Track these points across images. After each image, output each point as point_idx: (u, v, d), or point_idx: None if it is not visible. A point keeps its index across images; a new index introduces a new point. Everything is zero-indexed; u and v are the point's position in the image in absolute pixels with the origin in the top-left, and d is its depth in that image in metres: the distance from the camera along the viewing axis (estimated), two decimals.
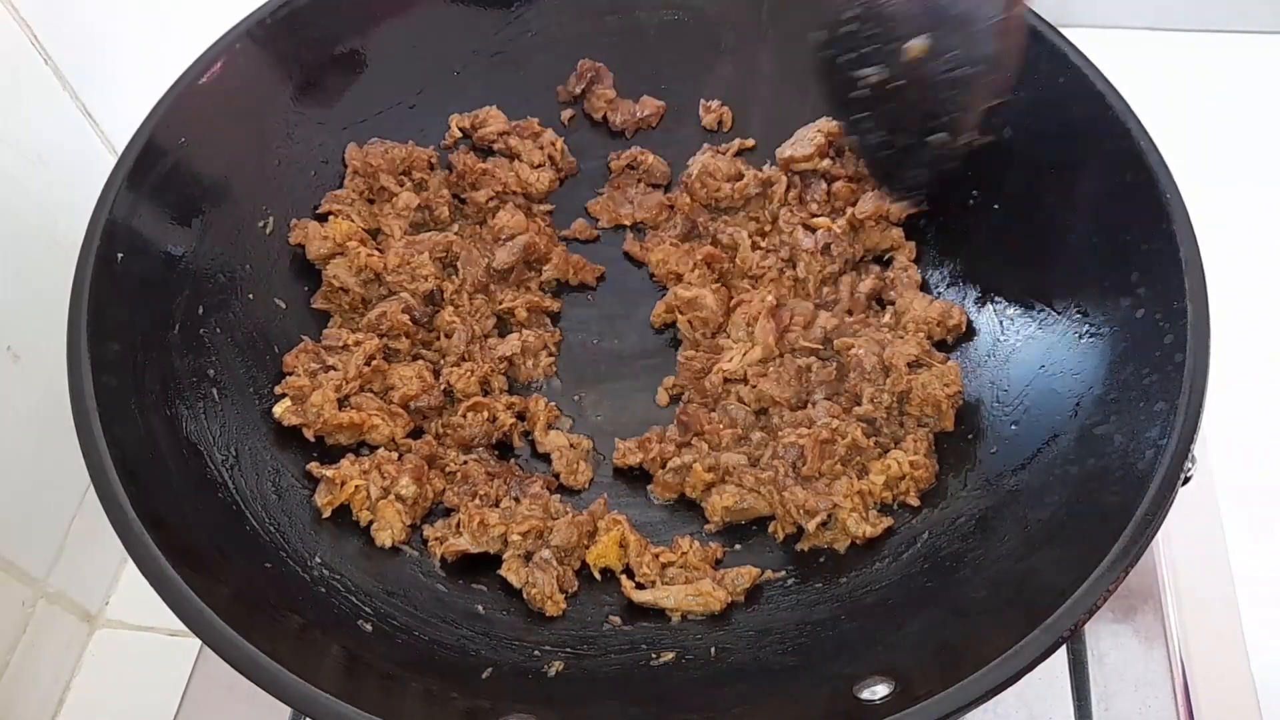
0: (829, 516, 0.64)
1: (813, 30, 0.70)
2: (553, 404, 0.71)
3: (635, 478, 0.69)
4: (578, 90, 0.83)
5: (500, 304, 0.75)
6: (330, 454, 0.68)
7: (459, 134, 0.81)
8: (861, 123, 0.70)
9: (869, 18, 0.65)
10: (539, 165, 0.80)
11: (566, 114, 0.84)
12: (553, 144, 0.81)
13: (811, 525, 0.63)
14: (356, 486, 0.65)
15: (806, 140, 0.77)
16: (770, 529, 0.66)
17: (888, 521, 0.64)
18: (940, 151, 0.65)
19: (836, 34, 0.67)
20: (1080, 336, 0.63)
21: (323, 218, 0.75)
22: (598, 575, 0.64)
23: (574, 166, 0.83)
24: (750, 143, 0.82)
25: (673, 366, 0.73)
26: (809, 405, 0.70)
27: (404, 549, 0.65)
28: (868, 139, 0.71)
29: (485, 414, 0.70)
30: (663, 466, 0.68)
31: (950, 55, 0.62)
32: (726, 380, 0.71)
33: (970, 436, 0.66)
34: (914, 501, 0.65)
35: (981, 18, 0.60)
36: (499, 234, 0.77)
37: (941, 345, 0.71)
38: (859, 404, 0.68)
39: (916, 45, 0.63)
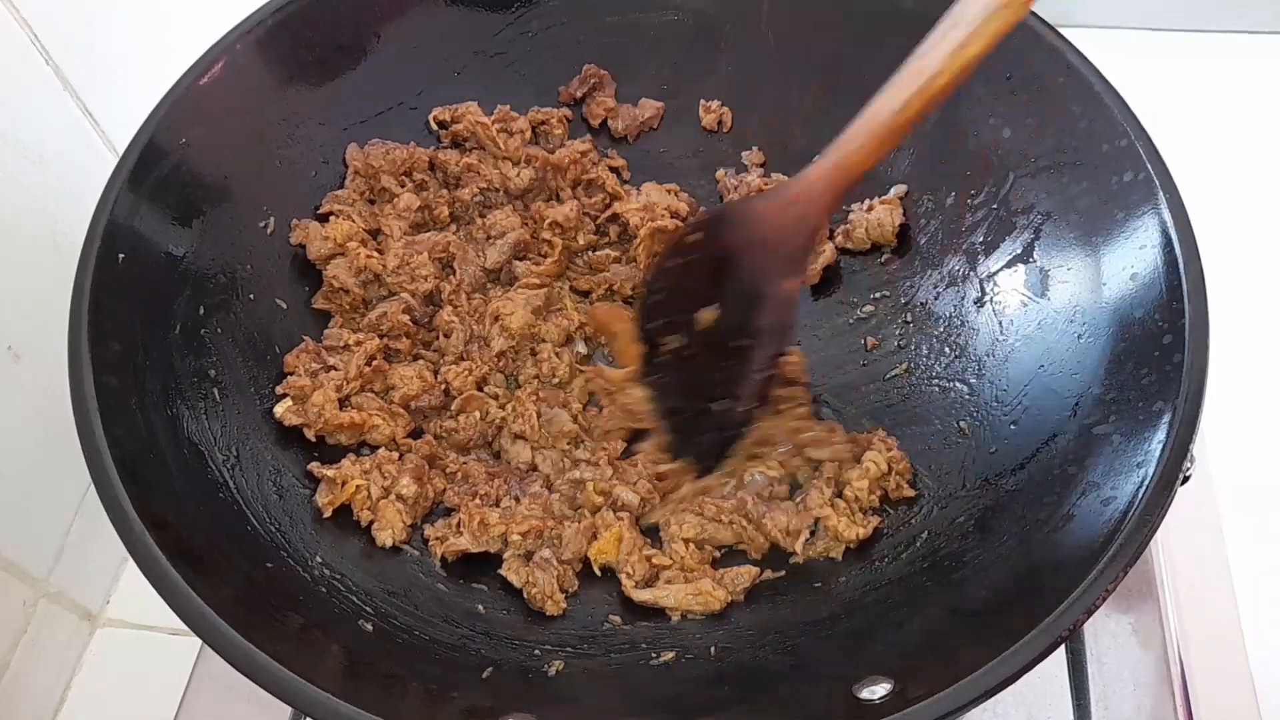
0: (816, 526, 0.64)
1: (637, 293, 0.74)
2: (531, 413, 0.70)
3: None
4: (579, 94, 0.83)
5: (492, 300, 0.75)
6: (331, 454, 0.68)
7: (437, 126, 0.81)
8: (662, 387, 0.71)
9: (672, 288, 0.68)
10: (519, 163, 0.80)
11: (562, 112, 0.83)
12: (522, 132, 0.81)
13: (797, 545, 0.64)
14: (357, 486, 0.65)
15: None
16: (741, 546, 0.66)
17: (875, 521, 0.65)
18: (724, 418, 0.67)
19: (646, 303, 0.70)
20: (1079, 336, 0.63)
21: (324, 218, 0.75)
22: (598, 572, 0.64)
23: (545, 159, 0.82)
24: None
25: None
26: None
27: (405, 548, 0.65)
28: (664, 403, 0.71)
29: (478, 414, 0.70)
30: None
31: (732, 326, 0.64)
32: None
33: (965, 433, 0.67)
34: (909, 493, 0.65)
35: (759, 292, 0.63)
36: (490, 232, 0.77)
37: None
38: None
39: (706, 315, 0.65)
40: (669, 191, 0.80)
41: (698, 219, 0.68)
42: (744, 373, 0.65)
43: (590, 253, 0.78)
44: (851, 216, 0.77)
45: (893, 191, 0.77)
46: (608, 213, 0.78)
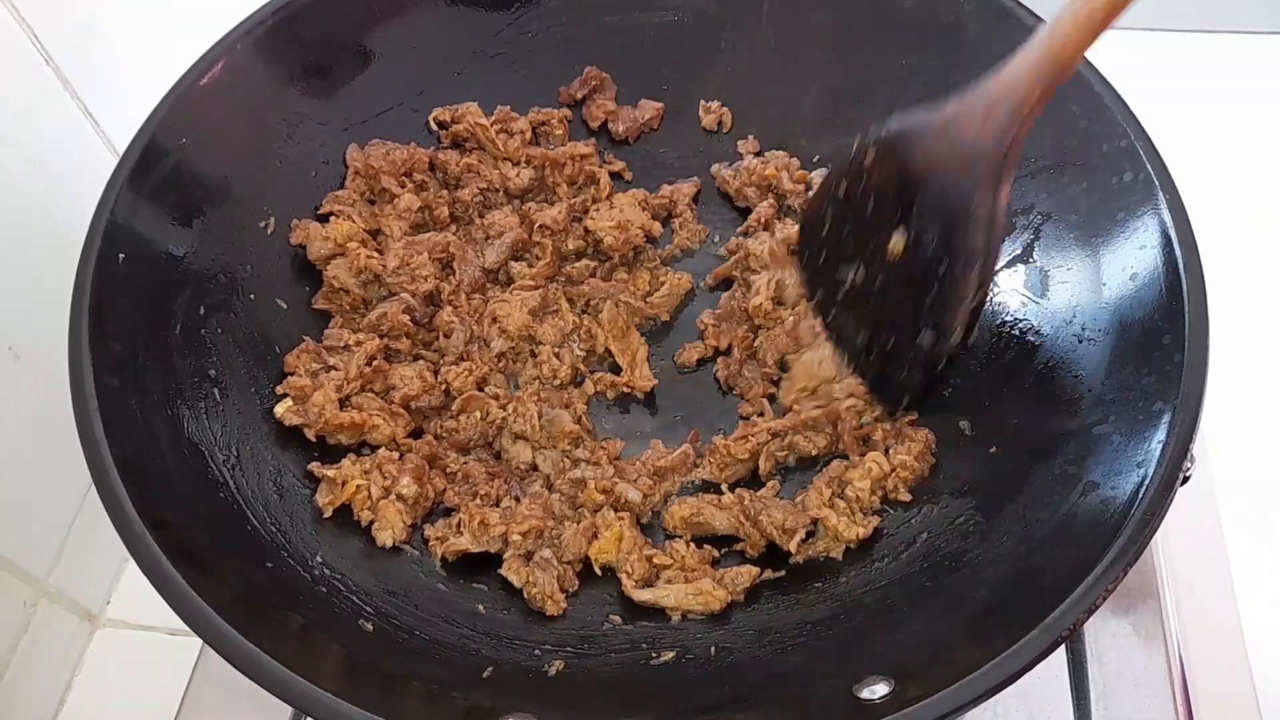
0: (814, 527, 0.65)
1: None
2: (532, 413, 0.70)
3: None
4: (579, 96, 0.83)
5: (492, 300, 0.75)
6: (331, 454, 0.68)
7: (437, 126, 0.81)
8: (843, 325, 0.66)
9: (846, 216, 0.62)
10: (519, 163, 0.80)
11: (563, 113, 0.83)
12: (523, 133, 0.81)
13: (793, 545, 0.64)
14: (358, 486, 0.65)
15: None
16: (739, 546, 0.66)
17: (875, 521, 0.65)
18: (931, 351, 0.61)
19: (813, 238, 0.66)
20: (1079, 337, 0.63)
21: (324, 218, 0.75)
22: (599, 571, 0.64)
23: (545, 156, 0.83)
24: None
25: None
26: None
27: (405, 548, 0.65)
28: (850, 342, 0.67)
29: (479, 414, 0.70)
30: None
31: (930, 251, 0.59)
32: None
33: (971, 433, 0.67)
34: (905, 497, 0.65)
35: (963, 209, 0.57)
36: (489, 232, 0.77)
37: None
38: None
39: (897, 242, 0.60)
40: (639, 202, 0.79)
41: (869, 141, 0.61)
42: (948, 301, 0.59)
43: (577, 260, 0.78)
44: None
45: None
46: (582, 225, 0.78)
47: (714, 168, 0.82)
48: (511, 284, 0.76)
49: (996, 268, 0.70)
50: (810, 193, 0.78)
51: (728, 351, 0.74)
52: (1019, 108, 0.53)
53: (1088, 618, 0.48)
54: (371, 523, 0.65)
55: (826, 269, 0.65)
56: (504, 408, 0.71)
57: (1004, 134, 0.54)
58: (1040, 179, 0.69)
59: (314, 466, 0.66)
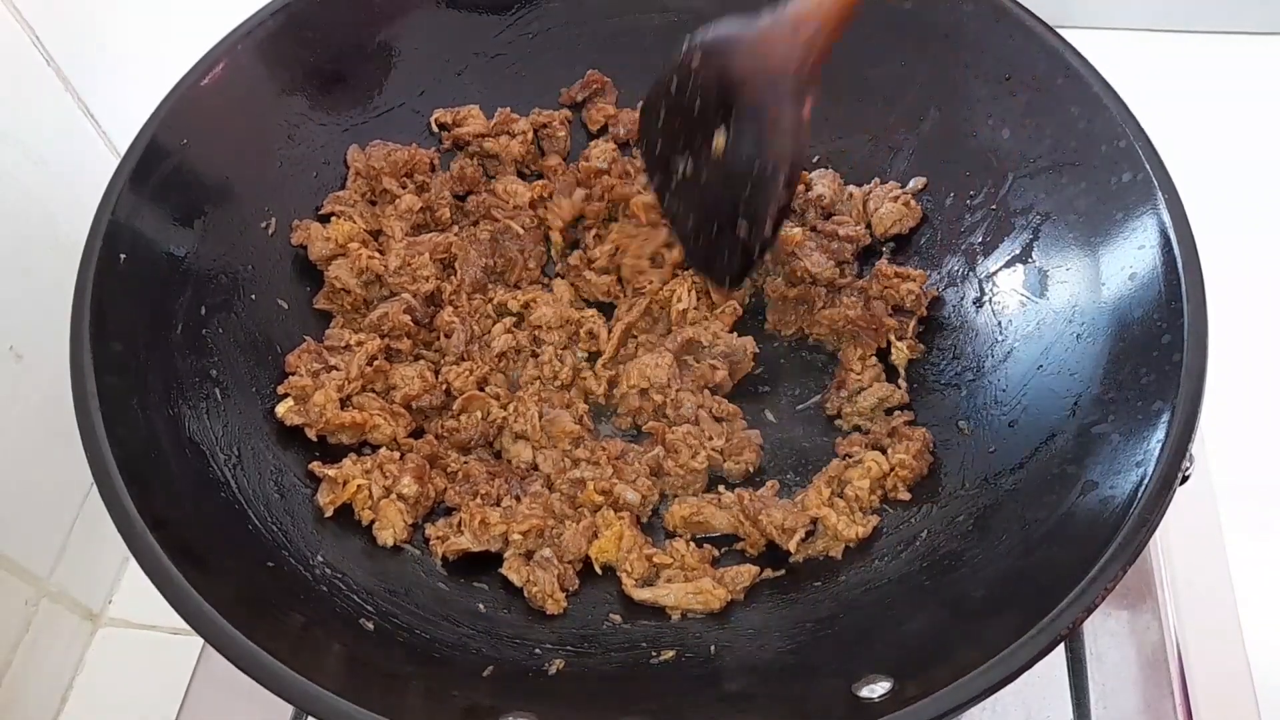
0: (813, 527, 0.65)
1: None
2: (533, 413, 0.70)
3: None
4: (580, 98, 0.84)
5: (492, 299, 0.75)
6: (332, 453, 0.68)
7: (438, 128, 0.82)
8: (676, 211, 0.71)
9: (678, 110, 0.67)
10: (531, 176, 0.82)
11: (564, 114, 0.84)
12: (524, 133, 0.81)
13: (792, 544, 0.64)
14: (358, 486, 0.65)
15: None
16: (739, 545, 0.66)
17: (874, 520, 0.65)
18: (746, 241, 0.66)
19: (652, 127, 0.70)
20: (1078, 336, 0.63)
21: (325, 219, 0.75)
22: (599, 570, 0.64)
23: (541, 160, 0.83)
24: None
25: None
26: None
27: (406, 548, 0.65)
28: (682, 227, 0.72)
29: (480, 413, 0.70)
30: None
31: (744, 153, 0.63)
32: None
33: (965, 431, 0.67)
34: (905, 496, 0.65)
35: (768, 120, 0.62)
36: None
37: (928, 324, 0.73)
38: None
39: (718, 140, 0.64)
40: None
41: (696, 44, 0.65)
42: (760, 198, 0.64)
43: (570, 251, 0.79)
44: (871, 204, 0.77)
45: (912, 184, 0.77)
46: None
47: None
48: (518, 283, 0.77)
49: (995, 268, 0.71)
50: (809, 192, 0.78)
51: None
52: (821, 30, 0.59)
53: (1087, 617, 0.48)
54: (372, 522, 0.65)
55: (661, 158, 0.70)
56: (505, 407, 0.71)
57: (807, 53, 0.60)
58: (1039, 179, 0.69)
59: (315, 466, 0.66)
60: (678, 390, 0.71)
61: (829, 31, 0.59)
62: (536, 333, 0.74)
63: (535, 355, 0.74)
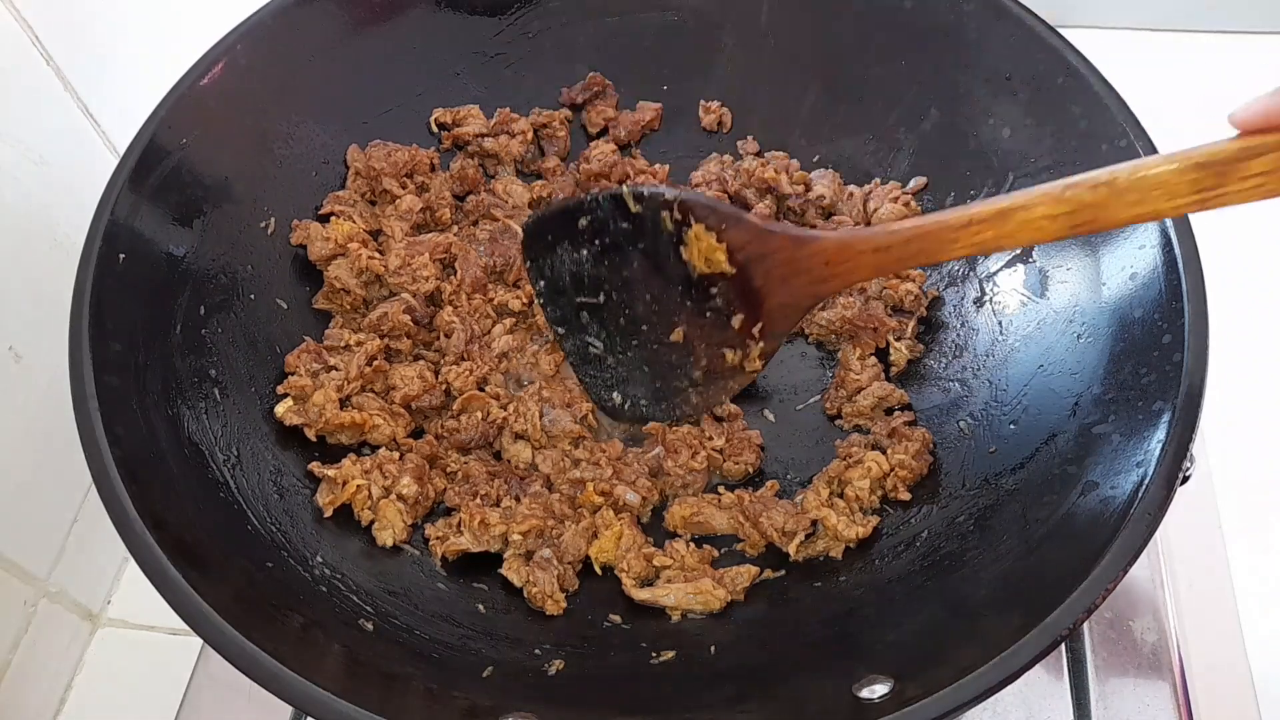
0: (813, 529, 0.65)
1: None
2: (533, 413, 0.69)
3: None
4: (580, 100, 0.84)
5: (492, 299, 0.75)
6: (332, 454, 0.68)
7: (438, 128, 0.81)
8: (577, 351, 0.60)
9: (615, 250, 0.55)
10: (530, 175, 0.82)
11: (563, 114, 0.84)
12: (524, 133, 0.81)
13: (792, 548, 0.64)
14: (358, 486, 0.65)
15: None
16: (739, 546, 0.66)
17: (875, 520, 0.65)
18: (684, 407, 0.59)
19: (563, 256, 0.57)
20: (1079, 336, 0.63)
21: (324, 219, 0.75)
22: (599, 571, 0.64)
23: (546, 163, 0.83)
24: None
25: None
26: None
27: (405, 548, 0.65)
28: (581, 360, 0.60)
29: (480, 414, 0.70)
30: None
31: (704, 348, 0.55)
32: None
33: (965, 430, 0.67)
34: (905, 497, 0.65)
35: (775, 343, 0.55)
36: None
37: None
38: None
39: (679, 331, 0.56)
40: None
41: (679, 200, 0.52)
42: (718, 388, 0.57)
43: None
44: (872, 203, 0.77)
45: (913, 183, 0.77)
46: None
47: (704, 164, 0.82)
48: (518, 282, 0.77)
49: (995, 268, 0.71)
50: (809, 192, 0.78)
51: None
52: (841, 283, 0.52)
53: (1087, 617, 0.48)
54: (372, 522, 0.65)
55: (567, 302, 0.58)
56: (504, 408, 0.71)
57: (829, 292, 0.54)
58: (1040, 178, 0.68)
59: (314, 466, 0.66)
60: None
61: (840, 287, 0.53)
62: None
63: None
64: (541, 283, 0.57)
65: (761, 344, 0.55)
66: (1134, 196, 0.43)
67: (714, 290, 0.53)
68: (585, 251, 0.55)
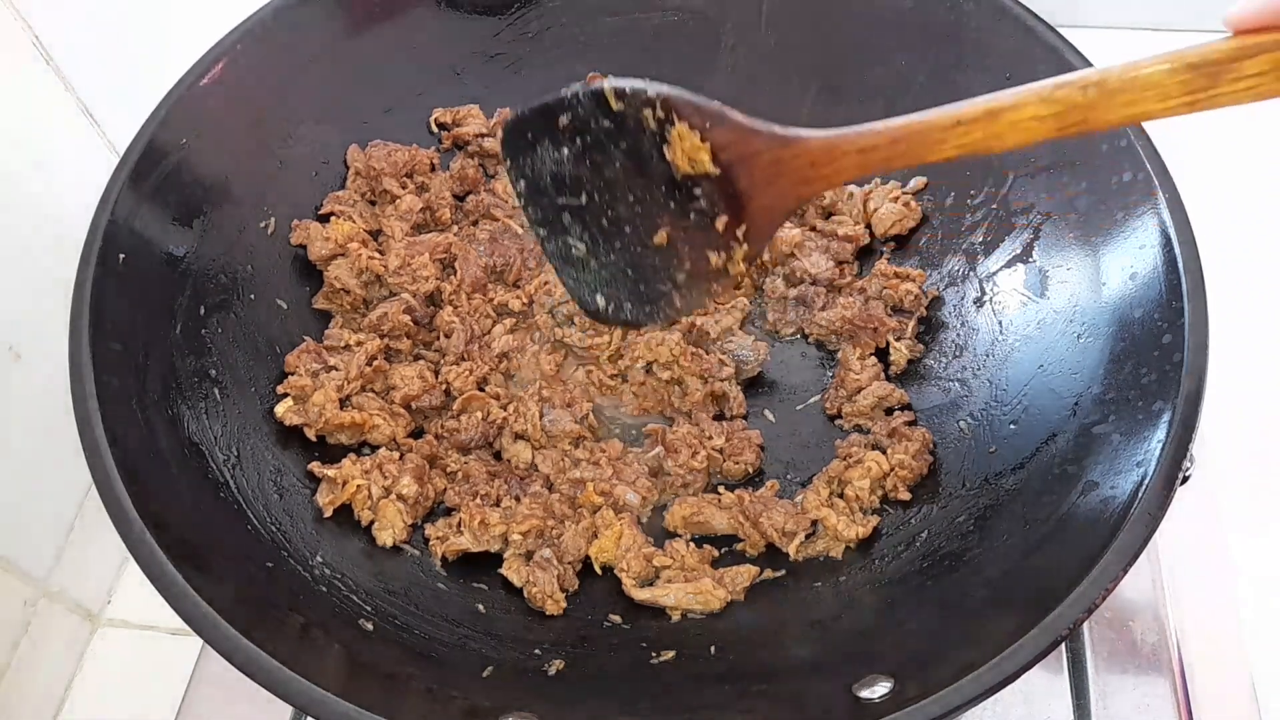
0: (813, 529, 0.65)
1: None
2: (533, 413, 0.69)
3: None
4: None
5: (492, 299, 0.75)
6: (332, 454, 0.68)
7: (438, 128, 0.81)
8: (559, 247, 0.57)
9: (596, 150, 0.54)
10: None
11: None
12: None
13: (792, 548, 0.64)
14: (358, 486, 0.65)
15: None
16: (739, 546, 0.66)
17: (875, 520, 0.65)
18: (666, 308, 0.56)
19: (544, 156, 0.56)
20: (1079, 336, 0.63)
21: (324, 219, 0.75)
22: (599, 570, 0.64)
23: None
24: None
25: None
26: None
27: (405, 548, 0.65)
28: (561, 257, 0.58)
29: (480, 414, 0.70)
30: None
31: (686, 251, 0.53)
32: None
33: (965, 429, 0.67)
34: (905, 497, 0.65)
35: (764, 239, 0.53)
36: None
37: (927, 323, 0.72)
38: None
39: (662, 234, 0.54)
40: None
41: (662, 96, 0.50)
42: (699, 290, 0.54)
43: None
44: (873, 203, 0.77)
45: (912, 183, 0.77)
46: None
47: None
48: (519, 282, 0.77)
49: (995, 268, 0.71)
50: None
51: None
52: (832, 179, 0.51)
53: (1087, 617, 0.48)
54: (372, 522, 0.65)
55: (550, 200, 0.56)
56: (504, 407, 0.71)
57: (813, 194, 0.52)
58: (1040, 179, 0.69)
59: (314, 466, 0.66)
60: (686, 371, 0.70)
61: (824, 187, 0.52)
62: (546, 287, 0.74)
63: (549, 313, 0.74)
64: (522, 183, 0.56)
65: (745, 246, 0.53)
66: (1126, 97, 0.42)
67: (697, 191, 0.52)
68: (566, 151, 0.54)
